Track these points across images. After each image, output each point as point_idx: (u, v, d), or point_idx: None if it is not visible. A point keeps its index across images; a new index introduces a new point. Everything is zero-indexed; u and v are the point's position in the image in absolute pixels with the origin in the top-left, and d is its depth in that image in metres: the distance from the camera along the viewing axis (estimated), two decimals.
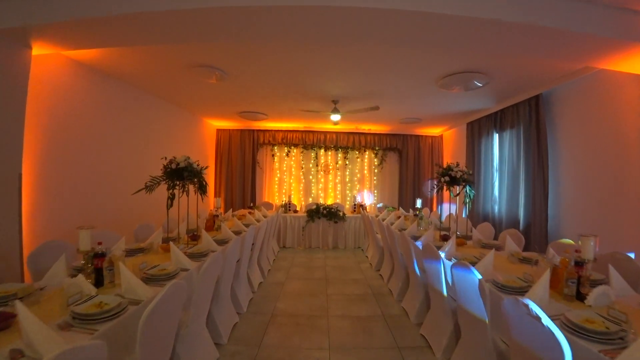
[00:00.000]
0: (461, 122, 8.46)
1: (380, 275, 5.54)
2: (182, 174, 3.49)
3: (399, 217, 6.38)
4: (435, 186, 4.33)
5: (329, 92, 5.85)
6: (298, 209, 8.86)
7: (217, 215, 4.95)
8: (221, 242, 3.98)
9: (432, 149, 9.96)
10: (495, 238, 4.89)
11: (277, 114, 7.91)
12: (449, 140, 9.67)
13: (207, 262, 2.55)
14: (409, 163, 9.80)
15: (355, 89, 5.73)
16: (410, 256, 3.85)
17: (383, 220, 6.33)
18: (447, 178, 4.06)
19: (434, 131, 9.80)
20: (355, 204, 7.98)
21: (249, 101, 6.78)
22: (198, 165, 3.86)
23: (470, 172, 4.20)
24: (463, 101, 6.50)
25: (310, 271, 5.77)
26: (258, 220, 5.97)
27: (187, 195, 3.74)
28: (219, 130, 9.83)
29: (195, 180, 3.68)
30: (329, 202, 9.59)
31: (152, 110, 6.38)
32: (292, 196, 9.77)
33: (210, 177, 9.59)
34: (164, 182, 3.52)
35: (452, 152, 9.47)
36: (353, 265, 6.17)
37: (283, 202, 7.64)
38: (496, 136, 6.96)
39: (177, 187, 3.59)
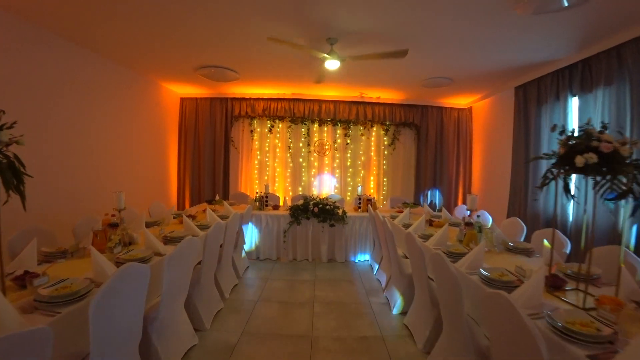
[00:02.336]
0: (503, 88, 6.18)
1: (408, 329, 3.21)
2: None
3: (430, 223, 4.17)
4: (554, 174, 2.04)
5: (323, 23, 3.58)
6: (281, 203, 6.60)
7: (117, 225, 2.75)
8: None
9: (458, 125, 7.68)
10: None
11: (250, 70, 5.60)
12: (480, 114, 7.39)
13: None
14: (429, 143, 7.52)
15: (364, 23, 3.50)
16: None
17: (404, 225, 4.10)
18: (587, 158, 1.73)
19: (461, 102, 7.51)
20: (359, 198, 5.70)
21: (208, 47, 4.51)
22: None
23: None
24: (521, 47, 4.26)
25: (287, 315, 3.48)
26: (209, 225, 3.75)
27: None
28: (183, 100, 7.53)
29: None
30: (325, 194, 7.35)
31: (83, 67, 4.63)
32: (277, 185, 7.52)
33: (171, 161, 7.33)
34: None
35: (484, 130, 7.20)
36: (359, 302, 3.89)
37: (257, 195, 5.38)
38: (572, 101, 4.69)
39: None
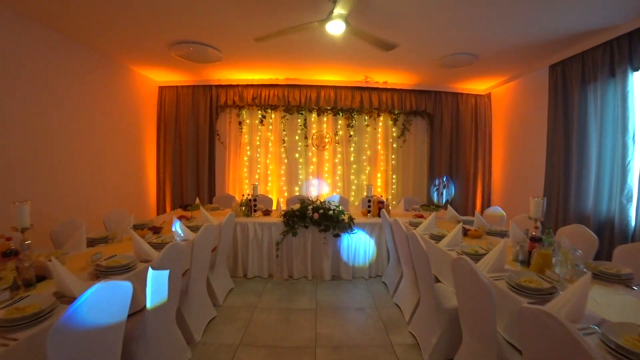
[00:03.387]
0: (535, 68, 5.24)
1: None
2: None
3: (465, 233, 3.23)
4: None
5: None
6: (274, 206, 5.62)
7: (13, 253, 1.78)
8: None
9: (475, 113, 6.72)
10: None
11: (235, 47, 4.64)
12: (501, 100, 6.44)
13: None
14: (443, 133, 6.57)
15: None
16: None
17: (433, 237, 3.15)
18: None
19: (479, 86, 6.56)
20: (369, 200, 4.71)
21: (182, 15, 3.55)
22: None
23: None
24: (566, 10, 3.36)
25: None
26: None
27: None
28: (162, 89, 6.55)
29: None
30: (325, 195, 6.38)
31: (36, 47, 3.83)
32: (270, 185, 6.55)
33: (149, 159, 6.37)
34: None
35: (506, 118, 6.28)
36: (377, 343, 2.86)
37: (243, 198, 4.39)
38: (632, 78, 3.75)
39: None
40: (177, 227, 3.15)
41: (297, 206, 4.11)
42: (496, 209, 4.71)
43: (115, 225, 3.55)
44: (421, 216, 4.29)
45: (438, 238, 3.14)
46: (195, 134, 6.44)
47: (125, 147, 5.62)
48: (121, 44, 4.56)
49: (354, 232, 4.15)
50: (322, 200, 4.30)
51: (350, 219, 4.13)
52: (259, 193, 4.87)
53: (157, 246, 2.76)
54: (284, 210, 4.26)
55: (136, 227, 3.35)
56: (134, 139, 5.89)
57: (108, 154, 5.16)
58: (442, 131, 6.58)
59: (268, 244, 4.20)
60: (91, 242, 2.88)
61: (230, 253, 4.23)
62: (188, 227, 3.39)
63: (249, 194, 4.45)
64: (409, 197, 5.89)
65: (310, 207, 4.03)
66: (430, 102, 6.55)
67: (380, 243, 4.32)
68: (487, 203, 6.71)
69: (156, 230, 3.34)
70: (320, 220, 3.96)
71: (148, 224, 3.58)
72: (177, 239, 3.07)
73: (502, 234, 3.35)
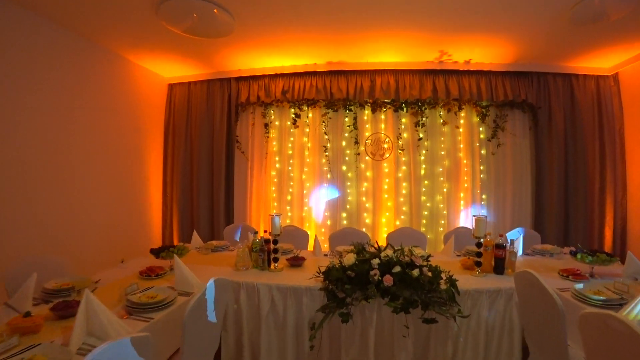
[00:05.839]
0: None
1: None
2: None
3: None
4: None
5: None
6: (310, 246, 3.71)
7: None
8: None
9: (597, 103, 4.62)
10: None
11: (251, 6, 3.00)
12: (632, 82, 4.36)
13: None
14: (554, 133, 4.53)
15: None
16: None
17: None
18: None
19: (601, 64, 4.49)
20: (479, 243, 2.55)
21: None
22: None
23: None
24: None
25: None
26: None
27: None
28: (172, 87, 5.11)
29: None
30: (383, 230, 4.53)
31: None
32: (305, 211, 4.77)
33: (153, 175, 4.93)
34: None
35: None
36: None
37: (254, 238, 2.59)
38: None
39: None
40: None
41: (349, 257, 2.24)
42: None
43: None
44: (576, 273, 2.32)
45: None
46: (209, 141, 4.88)
47: (122, 161, 4.28)
48: (101, 18, 3.14)
49: (463, 314, 2.15)
50: (396, 248, 2.36)
51: (452, 282, 2.20)
52: (287, 224, 3.11)
53: None
54: (325, 265, 2.39)
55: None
56: (134, 150, 4.51)
57: (102, 169, 3.95)
58: (552, 129, 4.53)
59: (295, 324, 2.37)
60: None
61: (230, 334, 2.44)
62: (145, 306, 1.78)
63: (265, 232, 2.68)
64: (517, 229, 3.84)
65: (377, 260, 2.16)
66: (531, 88, 4.55)
67: (504, 326, 2.31)
68: (620, 232, 4.54)
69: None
70: (395, 289, 2.08)
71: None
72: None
73: None
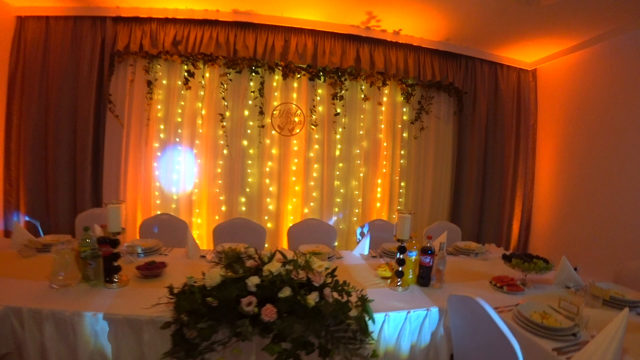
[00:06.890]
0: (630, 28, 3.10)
1: None
2: None
3: None
4: None
5: None
6: (204, 244, 2.86)
7: None
8: None
9: (517, 97, 4.50)
10: None
11: None
12: (548, 80, 4.39)
13: None
14: (476, 121, 4.26)
15: None
16: None
17: None
18: None
19: (524, 57, 4.32)
20: (401, 247, 1.91)
21: None
22: None
23: None
24: None
25: None
26: None
27: None
28: (22, 20, 3.73)
29: None
30: (289, 219, 3.87)
31: None
32: (196, 193, 3.88)
33: None
34: None
35: (562, 106, 4.17)
36: None
37: (87, 235, 1.71)
38: None
39: None
40: None
41: (213, 274, 1.43)
42: None
43: None
44: (510, 283, 1.87)
45: None
46: (72, 100, 3.69)
47: None
48: None
49: (379, 354, 1.52)
50: (289, 259, 1.58)
51: (365, 305, 1.51)
52: (160, 212, 2.23)
53: None
54: (199, 273, 1.56)
55: None
56: None
57: None
58: (476, 117, 4.25)
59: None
60: None
61: None
62: None
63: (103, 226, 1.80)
64: (436, 224, 3.43)
65: (255, 277, 1.40)
66: (460, 72, 4.21)
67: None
68: (526, 225, 4.51)
69: None
70: (281, 324, 1.34)
71: None
72: None
73: None
